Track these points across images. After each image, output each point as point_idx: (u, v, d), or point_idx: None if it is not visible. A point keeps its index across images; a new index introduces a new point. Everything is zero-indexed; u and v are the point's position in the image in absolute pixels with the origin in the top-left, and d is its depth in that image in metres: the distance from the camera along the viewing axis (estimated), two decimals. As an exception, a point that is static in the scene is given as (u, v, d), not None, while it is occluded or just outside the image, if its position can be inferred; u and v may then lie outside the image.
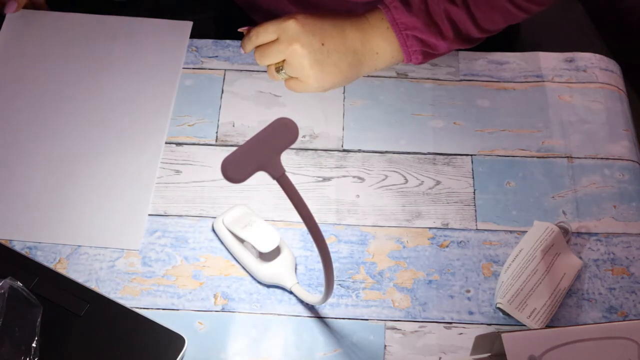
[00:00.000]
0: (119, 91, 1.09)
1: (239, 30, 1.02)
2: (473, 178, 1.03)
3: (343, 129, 1.06)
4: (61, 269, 0.95)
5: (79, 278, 0.94)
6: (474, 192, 1.01)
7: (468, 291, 0.95)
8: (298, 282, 0.93)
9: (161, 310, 0.93)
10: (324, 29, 0.97)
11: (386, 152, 1.04)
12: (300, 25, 0.96)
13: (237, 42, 1.13)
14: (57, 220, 0.98)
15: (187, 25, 1.14)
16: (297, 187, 0.75)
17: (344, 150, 1.05)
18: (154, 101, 1.08)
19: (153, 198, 1.01)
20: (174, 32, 1.13)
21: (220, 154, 1.04)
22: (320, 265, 0.81)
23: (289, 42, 0.96)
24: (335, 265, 0.95)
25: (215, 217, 0.99)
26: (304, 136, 1.06)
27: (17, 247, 0.96)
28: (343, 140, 1.05)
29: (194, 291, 0.94)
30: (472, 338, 0.88)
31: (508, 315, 0.93)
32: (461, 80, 1.11)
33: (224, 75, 1.11)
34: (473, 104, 1.08)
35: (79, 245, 0.97)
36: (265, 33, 0.97)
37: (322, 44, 0.97)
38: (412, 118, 1.07)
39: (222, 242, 0.97)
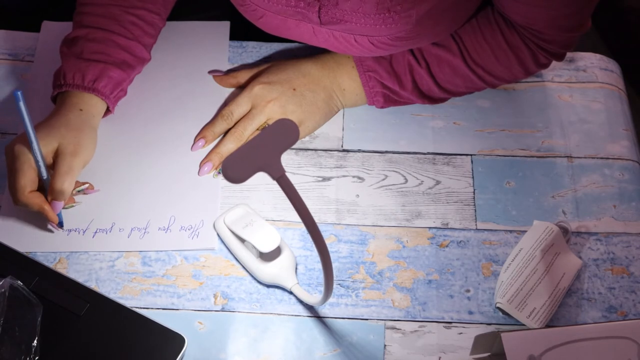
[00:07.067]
0: (166, 96, 1.07)
1: (209, 73, 1.08)
2: (473, 178, 1.03)
3: (343, 129, 1.06)
4: (61, 269, 0.95)
5: (79, 278, 0.94)
6: (474, 192, 1.02)
7: (468, 291, 0.95)
8: (298, 283, 0.93)
9: (161, 310, 0.93)
10: (289, 76, 1.03)
11: (386, 152, 1.04)
12: (267, 85, 1.02)
13: (235, 43, 1.13)
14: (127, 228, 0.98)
15: (225, 25, 1.14)
16: (297, 187, 0.75)
17: (344, 150, 1.05)
18: (204, 103, 1.07)
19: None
20: (212, 32, 1.12)
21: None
22: (320, 265, 0.81)
23: (265, 103, 1.01)
24: (335, 265, 0.95)
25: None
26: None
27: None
28: (343, 140, 1.05)
29: (194, 291, 0.94)
30: (471, 338, 0.88)
31: (508, 314, 0.93)
32: (461, 80, 1.11)
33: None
34: (473, 104, 1.08)
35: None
36: (239, 107, 1.02)
37: (294, 90, 1.02)
38: (412, 118, 1.07)
39: (223, 242, 0.97)
